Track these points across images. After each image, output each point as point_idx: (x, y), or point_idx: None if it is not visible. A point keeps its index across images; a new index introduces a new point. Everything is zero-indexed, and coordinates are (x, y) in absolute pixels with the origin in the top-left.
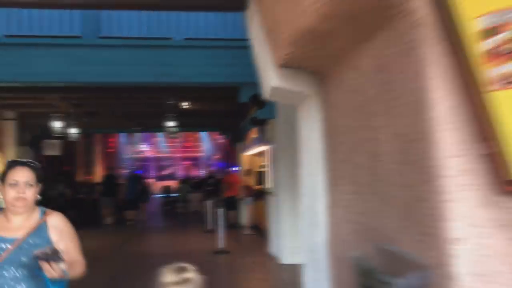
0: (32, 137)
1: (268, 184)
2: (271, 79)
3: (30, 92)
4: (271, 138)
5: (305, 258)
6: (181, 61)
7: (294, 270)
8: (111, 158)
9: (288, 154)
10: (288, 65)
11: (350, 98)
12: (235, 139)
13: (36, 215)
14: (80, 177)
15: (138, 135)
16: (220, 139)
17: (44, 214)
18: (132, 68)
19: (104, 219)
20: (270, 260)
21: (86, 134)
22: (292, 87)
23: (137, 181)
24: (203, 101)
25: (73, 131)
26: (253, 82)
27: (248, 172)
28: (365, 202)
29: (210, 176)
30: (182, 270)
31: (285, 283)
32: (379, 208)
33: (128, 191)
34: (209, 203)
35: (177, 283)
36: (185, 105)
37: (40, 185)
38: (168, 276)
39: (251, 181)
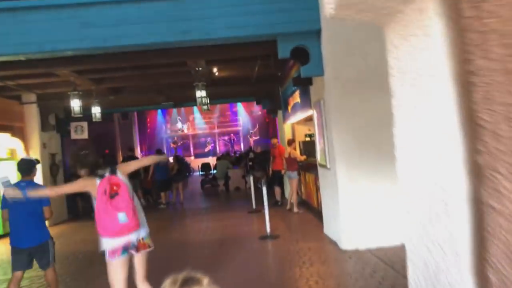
0: (57, 121)
1: (318, 155)
2: None
3: (36, 66)
4: (319, 100)
5: (413, 265)
6: (203, 13)
7: (360, 259)
8: (150, 138)
9: (342, 118)
10: None
11: None
12: (274, 108)
13: None
14: (120, 159)
15: (175, 114)
16: (258, 110)
17: None
18: (146, 27)
19: None
20: (328, 245)
21: (123, 115)
22: None
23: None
24: (235, 64)
25: (98, 110)
26: (293, 32)
27: (291, 142)
28: None
29: (250, 150)
30: (188, 283)
31: (354, 279)
32: None
33: (157, 172)
34: (252, 180)
35: None
36: (215, 70)
37: None
38: None
39: (296, 152)
